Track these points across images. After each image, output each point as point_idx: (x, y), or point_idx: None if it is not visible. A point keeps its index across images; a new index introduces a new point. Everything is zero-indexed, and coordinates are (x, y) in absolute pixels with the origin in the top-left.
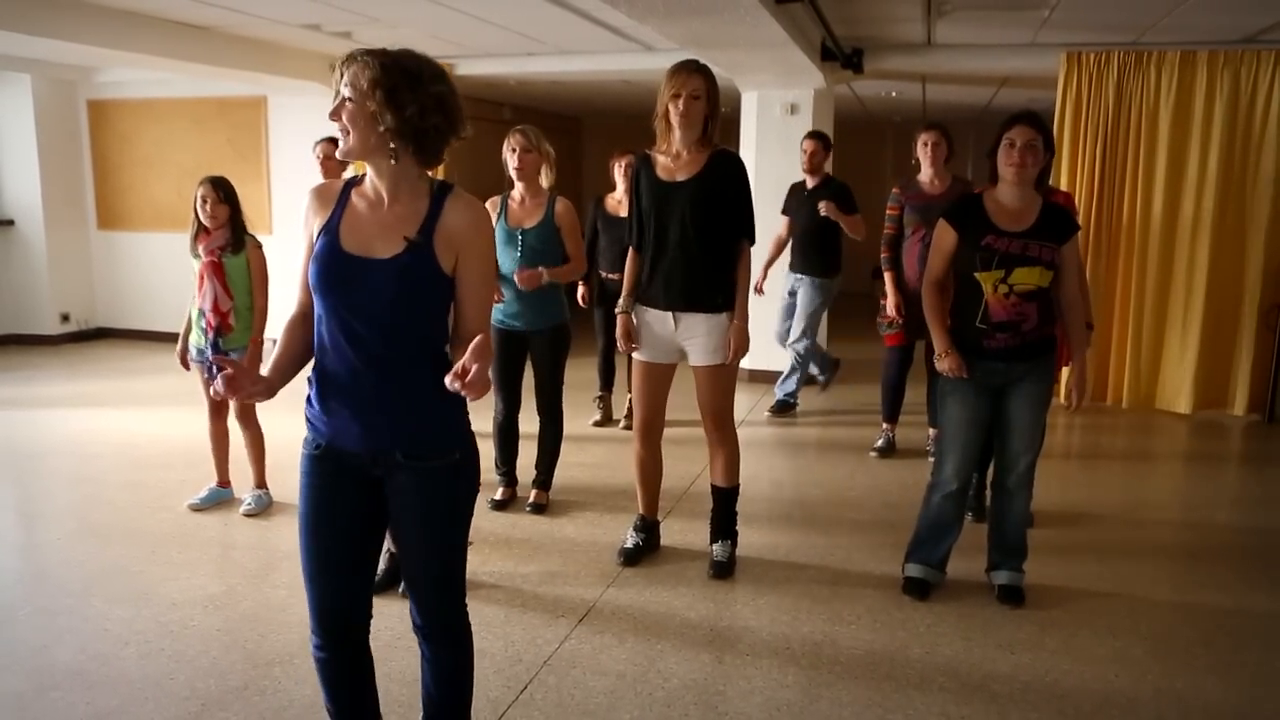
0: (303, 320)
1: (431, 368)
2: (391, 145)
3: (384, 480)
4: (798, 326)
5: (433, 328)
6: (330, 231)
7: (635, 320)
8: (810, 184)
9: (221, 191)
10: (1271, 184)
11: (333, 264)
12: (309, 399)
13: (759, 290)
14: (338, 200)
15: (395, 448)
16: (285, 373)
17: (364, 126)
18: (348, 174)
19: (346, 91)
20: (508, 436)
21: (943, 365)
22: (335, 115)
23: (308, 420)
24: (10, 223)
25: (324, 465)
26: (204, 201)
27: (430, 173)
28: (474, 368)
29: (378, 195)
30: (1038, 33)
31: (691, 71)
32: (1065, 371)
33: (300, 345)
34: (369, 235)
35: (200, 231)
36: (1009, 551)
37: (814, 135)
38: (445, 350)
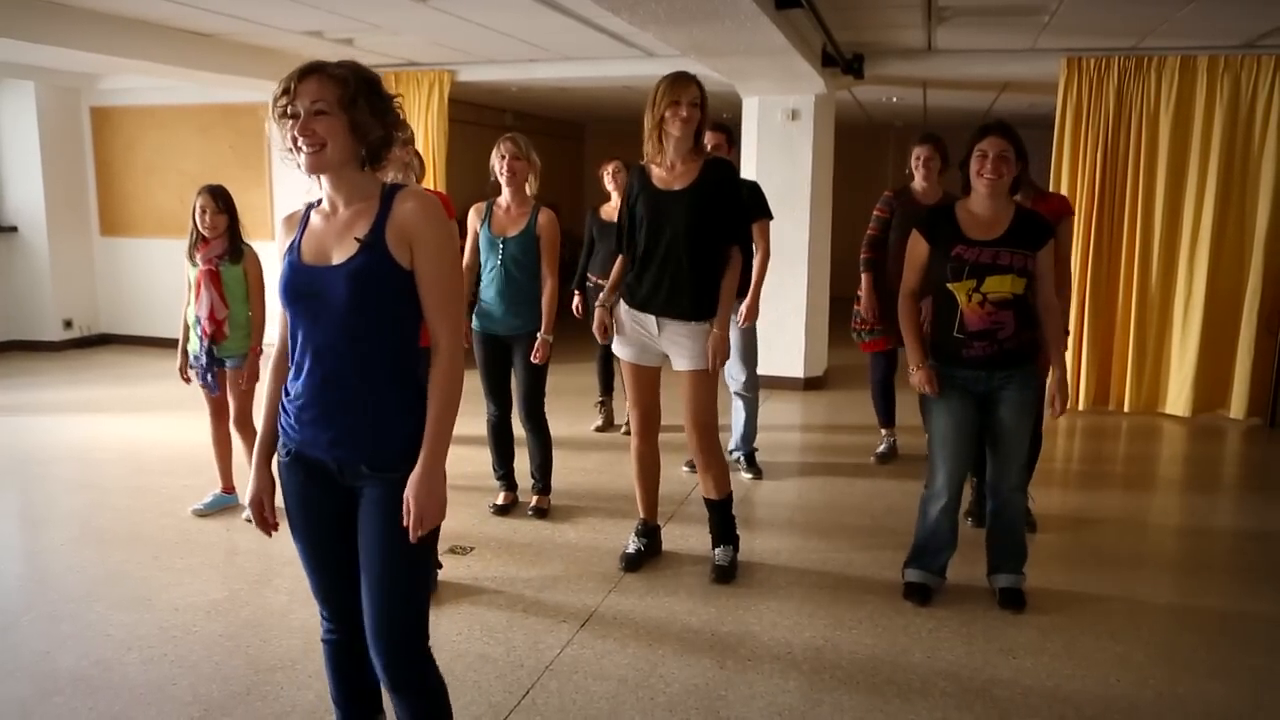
0: (284, 359)
1: (398, 383)
2: (362, 153)
3: (357, 492)
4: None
5: (398, 338)
6: (293, 250)
7: (615, 317)
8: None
9: (220, 201)
10: (1272, 188)
11: (294, 278)
12: (282, 406)
13: (744, 320)
14: (300, 223)
15: (360, 460)
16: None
17: (343, 137)
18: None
19: (318, 105)
20: (501, 438)
21: (914, 380)
22: (308, 129)
23: (281, 427)
24: (13, 229)
25: (295, 472)
26: (203, 211)
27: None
28: (414, 512)
29: (333, 206)
30: (1038, 38)
31: (689, 81)
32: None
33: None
34: (326, 245)
35: (198, 240)
36: (1008, 555)
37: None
38: (415, 367)
